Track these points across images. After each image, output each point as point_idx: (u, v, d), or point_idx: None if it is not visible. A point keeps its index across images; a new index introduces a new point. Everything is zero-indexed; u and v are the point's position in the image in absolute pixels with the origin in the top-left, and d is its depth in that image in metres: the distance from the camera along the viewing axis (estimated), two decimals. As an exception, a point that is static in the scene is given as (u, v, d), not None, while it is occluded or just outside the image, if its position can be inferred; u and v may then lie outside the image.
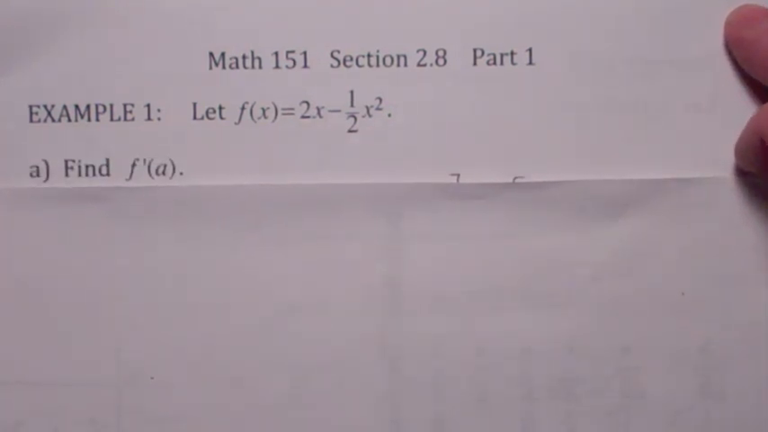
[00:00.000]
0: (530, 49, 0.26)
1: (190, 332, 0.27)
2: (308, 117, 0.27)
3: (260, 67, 0.26)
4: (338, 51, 0.26)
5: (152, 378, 0.27)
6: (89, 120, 0.27)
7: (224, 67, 0.26)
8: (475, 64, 0.26)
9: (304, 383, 0.27)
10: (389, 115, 0.27)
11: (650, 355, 0.26)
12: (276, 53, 0.26)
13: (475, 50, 0.26)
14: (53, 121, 0.27)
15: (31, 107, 0.27)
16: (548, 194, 0.26)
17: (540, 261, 0.26)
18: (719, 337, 0.26)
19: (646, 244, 0.26)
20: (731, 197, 0.26)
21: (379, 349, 0.27)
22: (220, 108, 0.27)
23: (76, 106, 0.27)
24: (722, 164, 0.26)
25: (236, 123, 0.27)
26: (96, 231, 0.27)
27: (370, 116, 0.27)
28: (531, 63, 0.26)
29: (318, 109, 0.27)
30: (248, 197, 0.26)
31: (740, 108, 0.26)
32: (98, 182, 0.27)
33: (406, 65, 0.26)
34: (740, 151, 0.25)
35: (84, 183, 0.27)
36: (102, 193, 0.27)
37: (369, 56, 0.26)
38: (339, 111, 0.27)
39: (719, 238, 0.26)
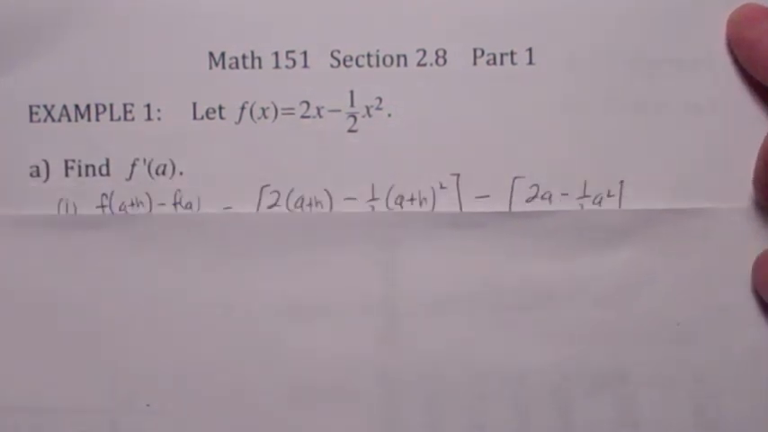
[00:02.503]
0: (530, 49, 0.26)
1: (186, 360, 0.27)
2: (308, 117, 0.27)
3: (260, 67, 0.26)
4: (338, 51, 0.26)
5: (148, 405, 0.27)
6: (89, 120, 0.27)
7: (224, 67, 0.26)
8: (475, 64, 0.26)
9: (301, 410, 0.27)
10: (389, 115, 0.27)
11: (646, 384, 0.26)
12: (276, 53, 0.26)
13: (475, 50, 0.26)
14: (53, 121, 0.27)
15: (31, 107, 0.27)
16: (546, 223, 0.26)
17: (537, 289, 0.27)
18: (714, 367, 0.26)
19: (642, 273, 0.26)
20: (727, 228, 0.26)
21: (375, 376, 0.27)
22: (220, 108, 0.27)
23: (76, 106, 0.27)
24: (722, 165, 0.26)
25: (236, 123, 0.27)
26: (93, 259, 0.27)
27: (370, 116, 0.27)
28: (531, 63, 0.26)
29: (318, 109, 0.27)
30: (246, 225, 0.26)
31: (741, 108, 0.26)
32: (98, 182, 0.27)
33: (406, 65, 0.26)
34: (758, 183, 0.25)
35: (84, 182, 0.27)
36: (100, 221, 0.27)
37: (369, 56, 0.26)
38: (339, 111, 0.27)
39: (715, 269, 0.26)
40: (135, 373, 0.27)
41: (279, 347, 0.27)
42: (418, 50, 0.26)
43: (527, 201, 0.27)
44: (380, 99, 0.26)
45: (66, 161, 0.27)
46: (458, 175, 0.27)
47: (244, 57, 0.26)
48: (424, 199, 0.27)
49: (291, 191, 0.27)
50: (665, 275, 0.26)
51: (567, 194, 0.27)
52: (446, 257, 0.27)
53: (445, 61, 0.26)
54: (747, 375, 0.26)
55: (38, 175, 0.27)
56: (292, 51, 0.26)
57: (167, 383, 0.27)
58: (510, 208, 0.27)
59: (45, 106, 0.27)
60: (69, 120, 0.27)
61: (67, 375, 0.27)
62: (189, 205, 0.27)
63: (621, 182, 0.26)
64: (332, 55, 0.26)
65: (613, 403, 0.26)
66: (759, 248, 0.26)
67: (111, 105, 0.27)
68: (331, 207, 0.27)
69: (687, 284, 0.26)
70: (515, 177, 0.26)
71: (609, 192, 0.26)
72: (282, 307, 0.27)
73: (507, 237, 0.26)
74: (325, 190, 0.27)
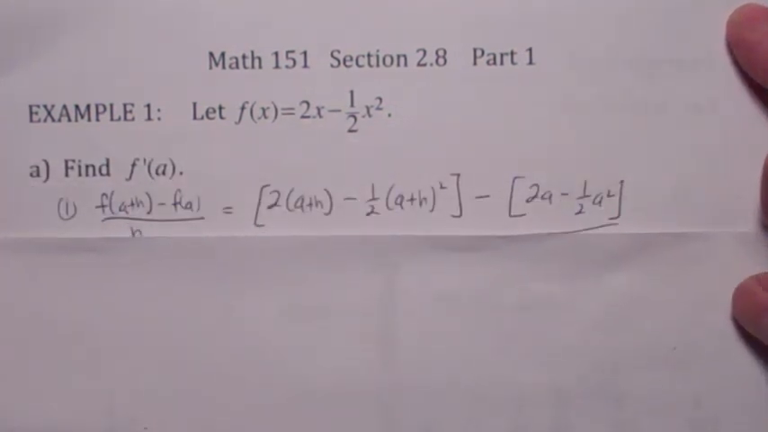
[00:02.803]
0: (530, 49, 0.26)
1: (184, 383, 0.27)
2: (308, 117, 0.27)
3: (260, 67, 0.26)
4: (338, 51, 0.26)
5: (145, 429, 0.27)
6: (89, 120, 0.27)
7: (224, 67, 0.26)
8: (475, 64, 0.26)
9: (300, 424, 0.27)
10: (389, 115, 0.27)
11: (643, 408, 0.26)
12: (276, 53, 0.26)
13: (475, 50, 0.26)
14: (53, 121, 0.27)
15: (31, 107, 0.27)
16: (544, 246, 0.26)
17: (534, 312, 0.27)
18: (712, 391, 0.26)
19: (640, 297, 0.26)
20: (725, 252, 0.26)
21: (373, 399, 0.27)
22: (220, 108, 0.27)
23: (76, 106, 0.27)
24: (722, 168, 0.26)
25: (236, 123, 0.27)
26: (91, 282, 0.27)
27: (370, 116, 0.27)
28: (531, 63, 0.26)
29: (318, 109, 0.27)
30: (243, 250, 0.27)
31: (741, 108, 0.26)
32: (98, 182, 0.27)
33: (406, 65, 0.26)
34: (766, 206, 0.25)
35: (84, 182, 0.27)
36: (98, 244, 0.27)
37: (369, 56, 0.26)
38: (339, 111, 0.27)
39: (713, 293, 0.26)
40: (132, 396, 0.27)
41: (277, 373, 0.27)
42: (418, 50, 0.26)
43: (527, 201, 0.27)
44: (380, 99, 0.26)
45: (66, 161, 0.27)
46: (458, 175, 0.27)
47: (244, 57, 0.26)
48: (424, 199, 0.27)
49: (291, 191, 0.27)
50: (663, 299, 0.26)
51: (566, 194, 0.27)
52: (444, 280, 0.27)
53: (445, 61, 0.26)
54: (745, 400, 0.26)
55: (38, 175, 0.27)
56: (292, 51, 0.26)
57: (165, 406, 0.27)
58: (510, 208, 0.27)
59: (45, 106, 0.27)
60: (69, 120, 0.27)
61: (65, 398, 0.27)
62: (189, 205, 0.27)
63: (621, 182, 0.26)
64: (332, 55, 0.26)
65: (611, 427, 0.26)
66: (756, 273, 0.26)
67: (111, 105, 0.27)
68: (331, 207, 0.27)
69: (684, 308, 0.26)
70: (515, 177, 0.26)
71: (609, 192, 0.26)
72: (280, 331, 0.27)
73: (505, 260, 0.26)
74: (325, 190, 0.27)
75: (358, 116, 0.27)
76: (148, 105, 0.27)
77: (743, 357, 0.26)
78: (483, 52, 0.26)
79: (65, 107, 0.27)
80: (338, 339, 0.27)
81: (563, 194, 0.27)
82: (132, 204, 0.27)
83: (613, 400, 0.26)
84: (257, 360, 0.27)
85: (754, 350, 0.26)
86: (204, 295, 0.27)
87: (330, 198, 0.27)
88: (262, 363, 0.27)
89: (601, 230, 0.27)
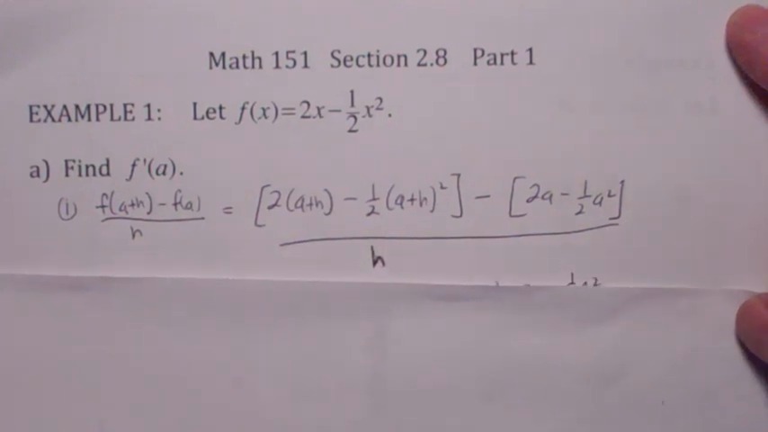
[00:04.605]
0: (530, 49, 0.26)
1: (173, 415, 0.27)
2: (308, 117, 0.27)
3: (260, 67, 0.26)
4: (338, 51, 0.26)
5: None
6: (89, 120, 0.27)
7: (224, 67, 0.26)
8: (475, 64, 0.26)
9: None
10: (389, 115, 0.27)
11: None
12: (276, 53, 0.26)
13: (475, 50, 0.26)
14: (53, 121, 0.27)
15: (31, 107, 0.27)
16: (535, 298, 0.26)
17: (522, 365, 0.27)
18: None
19: (628, 351, 0.27)
20: (715, 308, 0.26)
21: None
22: (220, 108, 0.27)
23: (76, 106, 0.27)
24: (721, 169, 0.26)
25: (236, 123, 0.27)
26: (81, 317, 0.27)
27: (370, 116, 0.27)
28: (531, 63, 0.26)
29: (318, 109, 0.27)
30: (231, 292, 0.27)
31: (741, 109, 0.26)
32: (98, 182, 0.27)
33: (406, 65, 0.26)
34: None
35: (84, 182, 0.27)
36: (88, 283, 0.27)
37: (369, 56, 0.26)
38: (339, 111, 0.27)
39: (701, 348, 0.26)
40: (122, 425, 0.27)
41: (267, 414, 0.27)
42: (418, 50, 0.26)
43: (527, 201, 0.27)
44: (381, 99, 0.26)
45: (66, 161, 0.27)
46: (458, 175, 0.27)
47: (244, 57, 0.26)
48: (425, 199, 0.27)
49: (292, 191, 0.27)
50: (652, 354, 0.27)
51: (567, 194, 0.27)
52: (433, 331, 0.27)
53: (445, 61, 0.26)
54: None
55: (38, 175, 0.27)
56: (292, 51, 0.26)
57: None
58: (510, 208, 0.27)
59: (45, 106, 0.27)
60: (69, 120, 0.27)
61: (54, 427, 0.27)
62: (189, 205, 0.27)
63: (622, 182, 0.26)
64: (332, 55, 0.26)
65: None
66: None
67: (111, 105, 0.27)
68: (331, 207, 0.27)
69: (673, 363, 0.27)
70: (515, 177, 0.26)
71: (609, 192, 0.26)
72: (271, 373, 0.27)
73: (494, 311, 0.27)
74: (326, 190, 0.27)
75: (358, 116, 0.27)
76: (148, 105, 0.27)
77: (731, 413, 0.27)
78: (483, 52, 0.26)
79: (65, 107, 0.27)
80: (328, 385, 0.27)
81: (563, 194, 0.27)
82: (132, 204, 0.27)
83: None
84: (244, 397, 0.27)
85: (744, 405, 0.26)
86: (192, 333, 0.27)
87: (330, 198, 0.27)
88: (248, 400, 0.27)
89: (600, 232, 0.27)
